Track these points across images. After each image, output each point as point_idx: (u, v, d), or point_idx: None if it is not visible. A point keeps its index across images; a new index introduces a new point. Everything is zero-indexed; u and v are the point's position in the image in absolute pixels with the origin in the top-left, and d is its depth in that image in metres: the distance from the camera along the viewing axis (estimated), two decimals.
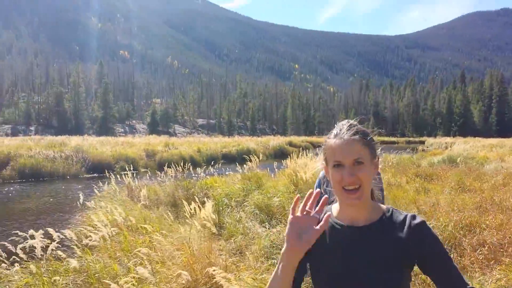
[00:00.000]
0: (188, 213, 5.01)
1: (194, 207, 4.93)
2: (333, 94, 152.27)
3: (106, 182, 10.49)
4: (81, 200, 7.52)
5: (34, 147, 21.16)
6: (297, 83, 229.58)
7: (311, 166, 8.22)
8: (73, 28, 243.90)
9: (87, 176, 19.42)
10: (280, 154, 32.40)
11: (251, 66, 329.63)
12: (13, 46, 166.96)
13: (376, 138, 1.21)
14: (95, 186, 12.40)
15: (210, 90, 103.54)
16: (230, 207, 7.26)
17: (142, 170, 20.82)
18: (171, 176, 9.72)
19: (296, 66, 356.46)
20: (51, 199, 13.13)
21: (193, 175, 11.30)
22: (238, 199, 7.67)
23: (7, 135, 50.96)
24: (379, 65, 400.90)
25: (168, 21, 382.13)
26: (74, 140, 27.71)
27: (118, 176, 10.61)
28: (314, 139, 62.59)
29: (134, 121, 75.61)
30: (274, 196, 7.27)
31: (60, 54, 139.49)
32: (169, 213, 5.63)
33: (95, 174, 19.98)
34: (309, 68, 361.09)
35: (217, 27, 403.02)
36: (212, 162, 28.25)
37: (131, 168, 21.22)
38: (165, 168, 10.48)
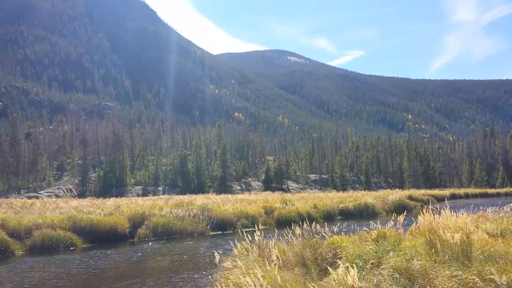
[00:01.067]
0: (335, 280, 4.89)
1: (340, 273, 4.80)
2: (453, 143, 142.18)
3: (235, 240, 10.78)
4: (217, 260, 7.77)
5: (164, 206, 22.84)
6: (411, 133, 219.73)
7: (453, 224, 7.55)
8: (193, 96, 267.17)
9: (212, 233, 20.26)
10: (401, 209, 30.57)
11: (361, 119, 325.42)
12: (142, 115, 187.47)
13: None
14: (222, 244, 12.82)
15: (321, 146, 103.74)
16: (365, 269, 6.93)
17: (262, 227, 21.15)
18: (299, 234, 9.65)
19: (409, 116, 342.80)
20: (185, 256, 13.85)
21: (316, 232, 11.15)
22: (372, 261, 7.31)
23: (138, 195, 55.98)
24: (503, 110, 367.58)
25: (278, 83, 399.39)
26: (199, 199, 29.42)
27: (240, 233, 10.90)
28: (436, 192, 58.42)
29: (249, 179, 78.25)
30: (413, 258, 6.78)
31: (183, 120, 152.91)
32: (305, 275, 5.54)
33: (219, 232, 20.79)
34: (423, 118, 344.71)
35: (324, 84, 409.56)
36: (329, 218, 27.87)
37: (252, 225, 21.73)
38: (293, 226, 10.48)
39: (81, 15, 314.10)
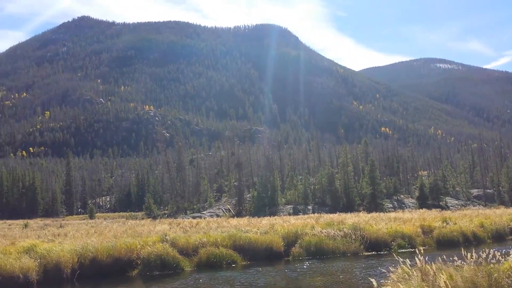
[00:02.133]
0: None
1: None
2: None
3: (391, 261, 10.28)
4: (374, 284, 7.52)
5: (315, 225, 22.98)
6: None
7: None
8: (337, 114, 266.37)
9: (366, 254, 19.66)
10: None
11: None
12: (289, 136, 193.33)
13: None
14: (377, 265, 12.29)
15: (483, 157, 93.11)
16: None
17: (420, 248, 19.79)
18: (469, 257, 8.69)
19: None
20: (340, 276, 13.72)
21: (483, 254, 9.94)
22: None
23: (289, 213, 57.41)
24: None
25: (427, 92, 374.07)
26: (350, 218, 28.91)
27: (396, 254, 10.31)
28: None
29: (401, 196, 74.11)
30: None
31: (328, 138, 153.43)
32: None
33: (373, 252, 20.07)
34: None
35: (482, 90, 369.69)
36: (499, 238, 24.68)
37: (409, 246, 20.45)
38: (462, 249, 9.54)
39: (231, 49, 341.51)
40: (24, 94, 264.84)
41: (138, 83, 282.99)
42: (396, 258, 9.15)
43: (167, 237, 17.80)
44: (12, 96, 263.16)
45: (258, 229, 21.40)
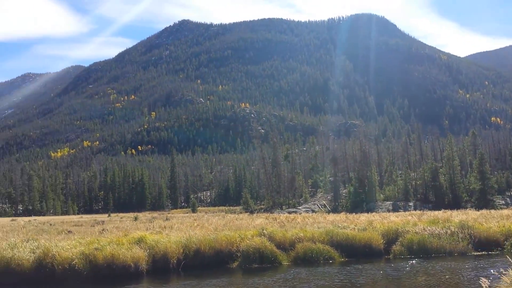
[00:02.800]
0: None
1: None
2: None
3: (504, 262, 9.43)
4: (485, 286, 6.95)
5: (418, 223, 21.86)
6: None
7: None
8: (441, 104, 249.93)
9: (474, 253, 18.26)
10: None
11: None
12: (387, 129, 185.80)
13: None
14: (487, 267, 11.29)
15: None
16: None
17: None
18: None
19: None
20: (446, 277, 12.91)
21: None
22: None
23: (388, 210, 55.22)
24: None
25: None
26: (456, 215, 27.03)
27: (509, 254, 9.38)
28: None
29: None
30: None
31: (431, 130, 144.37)
32: None
33: (483, 252, 18.58)
34: None
35: None
36: None
37: None
38: None
39: (325, 42, 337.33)
40: (133, 96, 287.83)
41: (235, 81, 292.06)
42: (509, 259, 8.36)
43: (264, 231, 18.18)
44: (122, 99, 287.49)
45: (355, 226, 20.96)
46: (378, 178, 71.93)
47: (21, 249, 14.15)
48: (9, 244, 14.91)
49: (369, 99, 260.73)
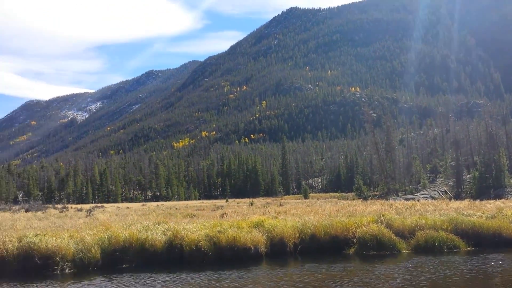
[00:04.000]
0: None
1: None
2: None
3: None
4: None
5: None
6: None
7: None
8: None
9: None
10: None
11: None
12: None
13: None
14: None
15: None
16: None
17: None
18: None
19: None
20: None
21: None
22: None
23: None
24: None
25: None
26: None
27: None
28: None
29: None
30: None
31: None
32: None
33: None
34: None
35: None
36: None
37: None
38: None
39: (442, 18, 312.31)
40: (245, 87, 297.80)
41: (344, 65, 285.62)
42: None
43: (381, 218, 17.72)
44: (235, 90, 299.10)
45: (483, 213, 19.40)
46: (507, 161, 65.11)
47: (153, 231, 15.67)
48: (143, 227, 16.62)
49: (494, 76, 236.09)
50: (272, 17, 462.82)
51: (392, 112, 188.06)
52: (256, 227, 16.43)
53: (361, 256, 15.56)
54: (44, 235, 14.87)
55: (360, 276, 12.34)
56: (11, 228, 19.08)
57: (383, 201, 41.10)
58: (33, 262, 13.56)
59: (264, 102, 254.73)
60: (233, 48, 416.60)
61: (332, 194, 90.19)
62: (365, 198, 57.86)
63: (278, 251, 15.72)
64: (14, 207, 54.87)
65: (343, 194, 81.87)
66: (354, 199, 60.96)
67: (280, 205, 41.00)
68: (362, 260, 15.04)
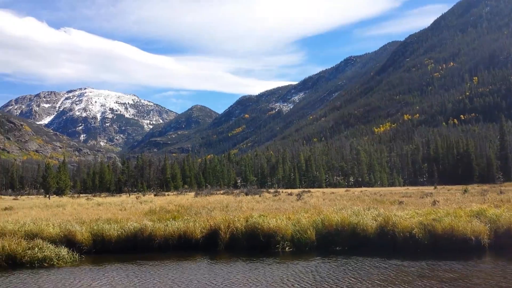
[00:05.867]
0: None
1: None
2: None
3: None
4: None
5: None
6: None
7: None
8: None
9: None
10: None
11: None
12: None
13: None
14: None
15: None
16: None
17: None
18: None
19: None
20: None
21: None
22: None
23: None
24: None
25: None
26: None
27: None
28: None
29: None
30: None
31: None
32: None
33: None
34: None
35: None
36: None
37: None
38: None
39: None
40: (451, 63, 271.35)
41: None
42: None
43: None
44: (440, 67, 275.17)
45: None
46: None
47: (364, 216, 15.92)
48: (353, 211, 17.03)
49: None
50: None
51: None
52: (476, 217, 15.07)
53: None
54: (266, 216, 16.68)
55: None
56: (236, 209, 21.95)
57: None
58: (258, 240, 15.38)
59: (476, 78, 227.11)
60: (436, 23, 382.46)
61: None
62: None
63: (505, 244, 14.08)
64: (235, 191, 62.84)
65: None
66: None
67: (501, 192, 36.29)
68: None
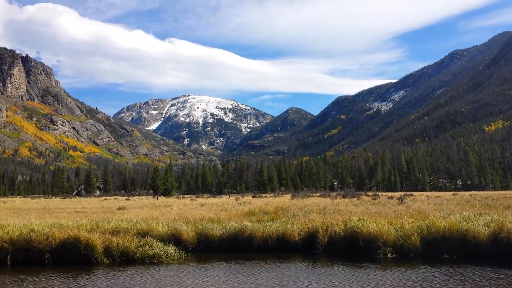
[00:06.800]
0: None
1: None
2: None
3: None
4: None
5: None
6: None
7: None
8: None
9: None
10: None
11: None
12: None
13: None
14: None
15: None
16: None
17: None
18: None
19: None
20: None
21: None
22: None
23: None
24: None
25: None
26: None
27: None
28: None
29: None
30: None
31: None
32: None
33: None
34: None
35: None
36: None
37: None
38: None
39: None
40: None
41: None
42: None
43: None
44: None
45: None
46: None
47: (475, 222, 14.71)
48: (463, 217, 15.84)
49: None
50: None
51: None
52: None
53: None
54: (365, 220, 16.20)
55: None
56: (334, 212, 21.62)
57: None
58: (357, 244, 14.97)
59: None
60: None
61: None
62: None
63: None
64: (331, 194, 61.95)
65: None
66: None
67: None
68: None
